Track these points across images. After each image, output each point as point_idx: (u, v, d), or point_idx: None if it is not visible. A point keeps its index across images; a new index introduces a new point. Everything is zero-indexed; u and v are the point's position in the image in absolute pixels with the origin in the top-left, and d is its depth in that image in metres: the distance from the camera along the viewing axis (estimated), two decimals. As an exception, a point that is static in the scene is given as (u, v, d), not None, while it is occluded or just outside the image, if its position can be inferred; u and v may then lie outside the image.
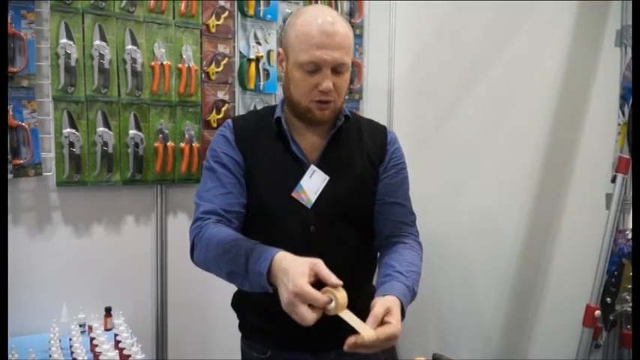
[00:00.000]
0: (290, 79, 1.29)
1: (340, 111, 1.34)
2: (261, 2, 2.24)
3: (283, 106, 1.36)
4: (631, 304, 1.59)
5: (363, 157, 1.35)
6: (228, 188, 1.29)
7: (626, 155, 1.60)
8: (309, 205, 1.29)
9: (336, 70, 1.24)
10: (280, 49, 1.33)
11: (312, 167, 1.30)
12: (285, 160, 1.31)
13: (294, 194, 1.29)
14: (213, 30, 2.14)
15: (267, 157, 1.32)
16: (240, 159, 1.31)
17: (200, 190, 1.32)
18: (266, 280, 1.06)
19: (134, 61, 1.96)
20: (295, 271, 1.01)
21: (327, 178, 1.29)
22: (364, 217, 1.36)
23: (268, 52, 2.27)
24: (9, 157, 1.74)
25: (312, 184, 1.29)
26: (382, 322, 1.06)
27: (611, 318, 1.61)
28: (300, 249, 1.26)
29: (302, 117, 1.31)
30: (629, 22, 1.65)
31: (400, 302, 1.13)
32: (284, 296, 1.01)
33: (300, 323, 1.00)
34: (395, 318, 1.08)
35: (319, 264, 1.03)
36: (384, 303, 1.10)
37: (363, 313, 1.08)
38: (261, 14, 2.24)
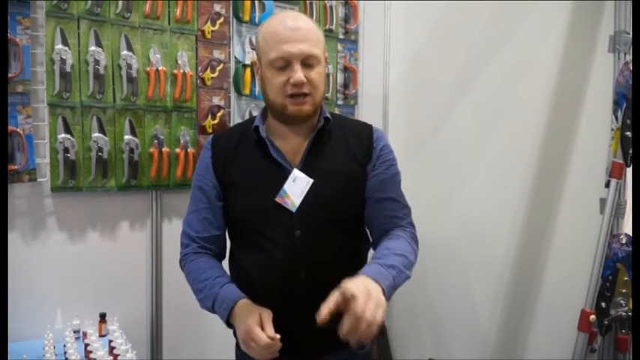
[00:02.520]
0: (264, 81, 1.31)
1: (321, 112, 1.36)
2: (257, 8, 2.24)
3: (264, 114, 1.38)
4: (625, 309, 1.59)
5: (348, 158, 1.35)
6: (203, 214, 1.38)
7: (620, 160, 1.61)
8: (293, 209, 1.29)
9: (307, 63, 1.26)
10: (255, 60, 1.38)
11: (295, 171, 1.31)
12: (267, 167, 1.32)
13: (277, 199, 1.30)
14: (208, 36, 2.14)
15: (249, 166, 1.34)
16: (216, 181, 1.37)
17: (187, 211, 1.43)
18: (227, 325, 1.28)
19: (129, 66, 1.96)
20: (247, 317, 1.20)
21: (310, 181, 1.30)
22: (350, 219, 1.36)
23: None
24: (3, 162, 1.74)
25: (296, 188, 1.30)
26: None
27: (606, 322, 1.61)
28: (285, 254, 1.29)
29: (281, 117, 1.32)
30: (622, 27, 1.66)
31: (368, 277, 1.14)
32: (239, 336, 1.22)
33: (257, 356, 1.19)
34: (358, 301, 1.05)
35: (265, 316, 1.20)
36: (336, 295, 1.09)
37: None
38: (257, 20, 2.24)
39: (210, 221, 1.37)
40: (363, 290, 1.06)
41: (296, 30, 1.25)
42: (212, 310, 1.30)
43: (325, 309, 1.04)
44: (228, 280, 1.33)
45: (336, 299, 1.06)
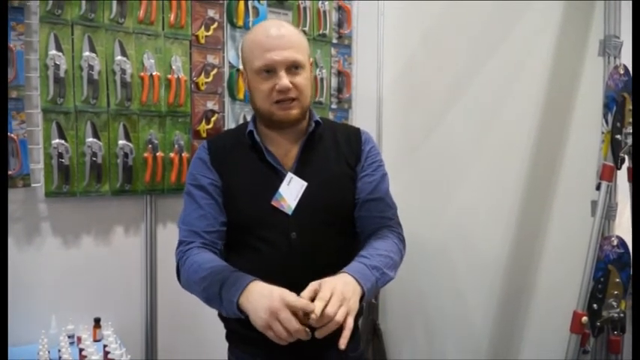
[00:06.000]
0: (251, 89, 1.35)
1: (310, 116, 1.39)
2: (250, 13, 2.25)
3: (255, 120, 1.41)
4: (617, 310, 1.60)
5: (340, 160, 1.39)
6: (207, 210, 1.34)
7: (610, 163, 1.62)
8: (289, 212, 1.32)
9: (292, 68, 1.29)
10: (242, 69, 1.41)
11: (290, 174, 1.34)
12: (262, 171, 1.35)
13: (273, 202, 1.32)
14: (202, 41, 2.15)
15: (244, 170, 1.36)
16: (216, 178, 1.36)
17: (182, 214, 1.37)
18: (236, 307, 1.13)
19: (123, 71, 1.97)
20: (270, 292, 1.11)
21: (304, 184, 1.33)
22: (344, 219, 1.39)
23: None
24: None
25: (291, 191, 1.33)
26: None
27: (598, 324, 1.62)
28: (281, 255, 1.30)
29: (270, 123, 1.35)
30: (612, 32, 1.68)
31: (351, 275, 1.18)
32: (261, 313, 1.08)
33: (280, 337, 1.07)
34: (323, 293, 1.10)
35: (286, 293, 1.10)
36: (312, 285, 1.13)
37: None
38: (251, 25, 2.25)
39: (215, 216, 1.34)
40: (337, 293, 1.10)
41: (279, 38, 1.28)
42: (218, 296, 1.17)
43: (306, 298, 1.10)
44: (237, 270, 1.23)
45: (313, 289, 1.11)
